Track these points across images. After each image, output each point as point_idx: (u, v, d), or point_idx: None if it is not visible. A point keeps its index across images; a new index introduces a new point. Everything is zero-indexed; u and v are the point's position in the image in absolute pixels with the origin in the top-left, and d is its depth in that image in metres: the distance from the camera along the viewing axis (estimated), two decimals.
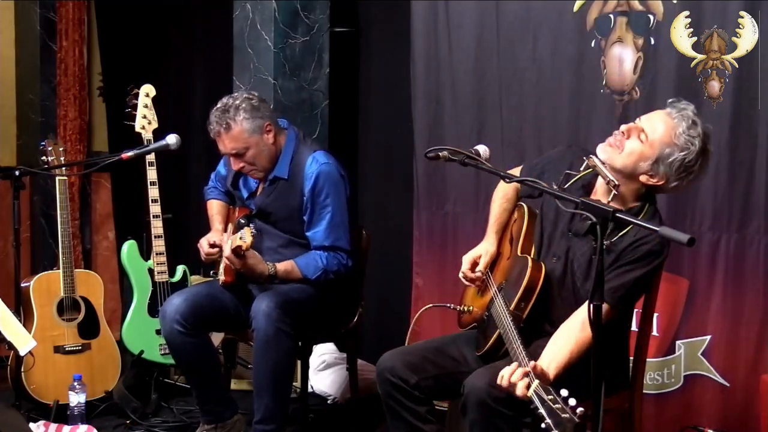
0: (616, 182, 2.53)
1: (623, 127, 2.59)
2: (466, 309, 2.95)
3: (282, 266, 3.41)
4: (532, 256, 2.75)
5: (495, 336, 2.67)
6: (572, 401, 2.20)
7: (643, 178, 2.57)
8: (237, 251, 3.26)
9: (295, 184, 3.45)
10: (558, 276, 2.71)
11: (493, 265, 2.93)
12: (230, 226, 3.59)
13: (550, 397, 2.24)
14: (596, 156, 2.58)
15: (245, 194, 3.59)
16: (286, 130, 3.54)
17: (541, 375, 2.36)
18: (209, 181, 3.82)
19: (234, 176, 3.60)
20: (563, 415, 2.18)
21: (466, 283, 2.94)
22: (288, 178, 3.46)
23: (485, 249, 2.95)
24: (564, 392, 2.24)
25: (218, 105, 3.45)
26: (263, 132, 3.41)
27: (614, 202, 2.57)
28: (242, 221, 3.46)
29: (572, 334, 2.54)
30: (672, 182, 2.57)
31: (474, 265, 2.92)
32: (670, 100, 2.61)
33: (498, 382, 2.41)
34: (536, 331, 2.69)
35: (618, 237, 2.58)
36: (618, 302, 2.57)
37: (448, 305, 3.05)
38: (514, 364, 2.40)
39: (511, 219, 2.97)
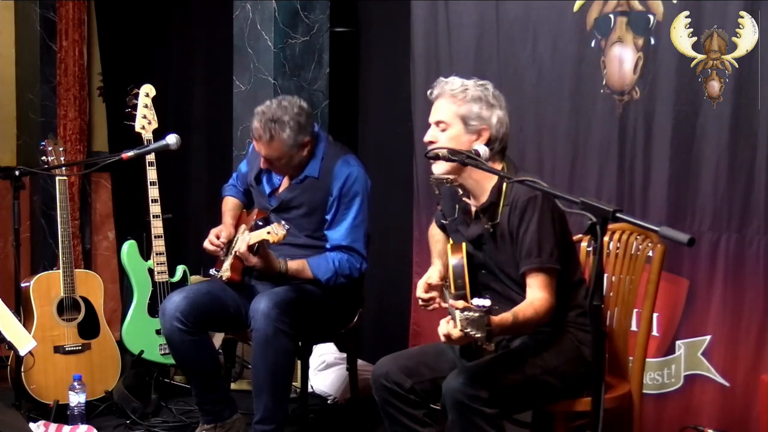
0: (451, 177, 2.74)
1: (427, 138, 2.79)
2: None
3: (293, 264, 3.42)
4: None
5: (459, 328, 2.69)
6: (478, 301, 2.32)
7: (476, 145, 2.72)
8: (252, 248, 3.28)
9: (323, 183, 3.48)
10: (495, 284, 2.78)
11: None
12: (242, 227, 3.58)
13: (465, 313, 2.31)
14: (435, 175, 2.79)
15: (267, 190, 3.60)
16: (317, 135, 3.57)
17: (464, 308, 2.39)
18: (230, 179, 3.85)
19: (258, 171, 3.61)
20: (475, 316, 2.29)
21: (429, 309, 2.92)
22: (318, 176, 3.49)
23: (431, 271, 2.97)
24: (474, 300, 2.34)
25: (266, 111, 3.40)
26: (300, 147, 3.43)
27: (480, 187, 2.76)
28: (260, 223, 3.46)
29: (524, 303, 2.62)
30: (493, 124, 2.75)
31: (428, 288, 2.92)
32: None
33: (444, 342, 2.49)
34: None
35: (499, 216, 2.72)
36: (546, 258, 2.64)
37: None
38: (441, 323, 2.48)
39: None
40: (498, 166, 2.79)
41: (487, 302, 2.33)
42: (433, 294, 2.89)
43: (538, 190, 2.66)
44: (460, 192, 2.82)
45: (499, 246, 2.75)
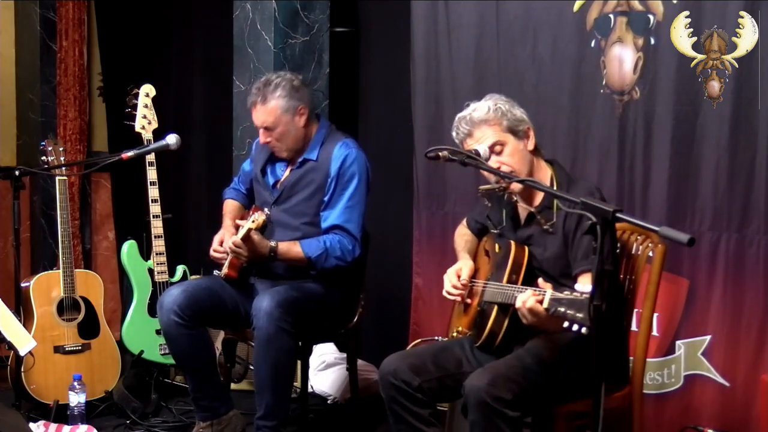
0: (504, 185, 2.74)
1: (497, 167, 2.77)
2: (455, 332, 2.96)
3: (284, 243, 3.43)
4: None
5: (493, 317, 2.70)
6: (580, 287, 2.39)
7: (530, 146, 2.82)
8: (247, 239, 3.30)
9: (322, 165, 3.50)
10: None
11: (474, 278, 2.96)
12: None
13: (565, 293, 2.38)
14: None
15: (271, 181, 3.61)
16: (320, 122, 3.61)
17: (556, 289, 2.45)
18: (230, 180, 3.85)
19: (264, 164, 3.62)
20: (579, 298, 2.34)
21: (451, 298, 2.94)
22: (317, 159, 3.52)
23: (463, 263, 2.98)
24: (578, 285, 2.41)
25: (263, 78, 3.54)
26: (296, 114, 3.48)
27: (532, 190, 2.80)
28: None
29: None
30: (528, 120, 2.84)
31: (456, 278, 2.93)
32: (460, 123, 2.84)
33: (525, 313, 2.51)
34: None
35: (556, 217, 2.75)
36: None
37: (437, 338, 3.10)
38: (527, 293, 2.51)
39: (479, 246, 3.04)
40: (546, 172, 2.83)
41: (581, 287, 2.39)
42: (462, 287, 2.91)
43: (539, 190, 2.67)
44: (514, 198, 2.83)
45: (548, 249, 2.77)
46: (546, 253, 2.79)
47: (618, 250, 2.88)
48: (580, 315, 2.33)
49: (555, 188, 2.77)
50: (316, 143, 3.54)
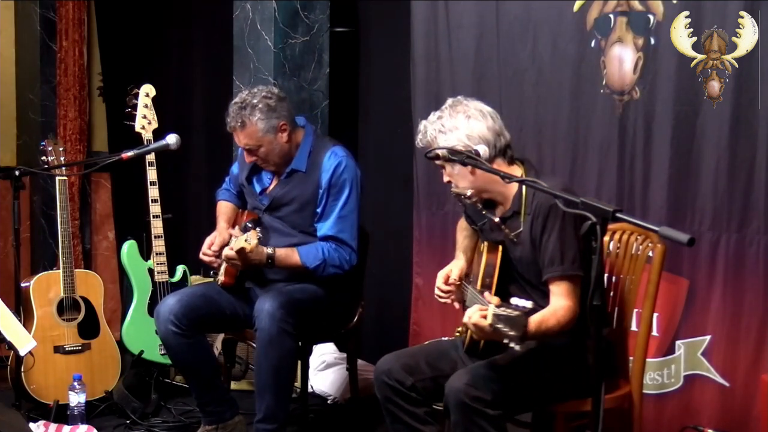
0: (469, 193, 2.76)
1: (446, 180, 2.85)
2: (457, 332, 2.96)
3: (281, 250, 3.42)
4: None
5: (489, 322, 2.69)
6: (518, 301, 2.36)
7: (482, 149, 2.72)
8: (241, 253, 3.28)
9: (312, 176, 3.47)
10: (516, 289, 2.79)
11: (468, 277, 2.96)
12: (236, 229, 3.58)
13: (501, 309, 2.35)
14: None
15: (258, 189, 3.59)
16: (304, 127, 3.57)
17: (499, 304, 2.42)
18: (222, 182, 3.84)
19: (249, 172, 3.60)
20: (513, 314, 2.33)
21: (442, 300, 2.94)
22: (306, 170, 3.49)
23: (455, 264, 2.98)
24: (514, 300, 2.37)
25: (237, 99, 3.45)
26: (277, 132, 3.43)
27: (503, 195, 2.79)
28: (249, 225, 3.46)
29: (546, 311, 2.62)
30: (463, 141, 2.74)
31: (447, 280, 2.93)
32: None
33: (471, 328, 2.47)
34: None
35: (522, 225, 2.73)
36: (568, 265, 2.64)
37: (443, 339, 3.14)
38: (474, 307, 2.48)
39: (476, 245, 3.03)
40: (517, 170, 2.80)
41: (528, 304, 2.36)
42: (452, 288, 2.90)
43: (539, 191, 2.67)
44: (479, 206, 2.82)
45: (522, 253, 2.76)
46: (522, 261, 2.78)
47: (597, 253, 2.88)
48: (512, 333, 2.32)
49: (524, 189, 2.74)
50: (303, 152, 3.50)
